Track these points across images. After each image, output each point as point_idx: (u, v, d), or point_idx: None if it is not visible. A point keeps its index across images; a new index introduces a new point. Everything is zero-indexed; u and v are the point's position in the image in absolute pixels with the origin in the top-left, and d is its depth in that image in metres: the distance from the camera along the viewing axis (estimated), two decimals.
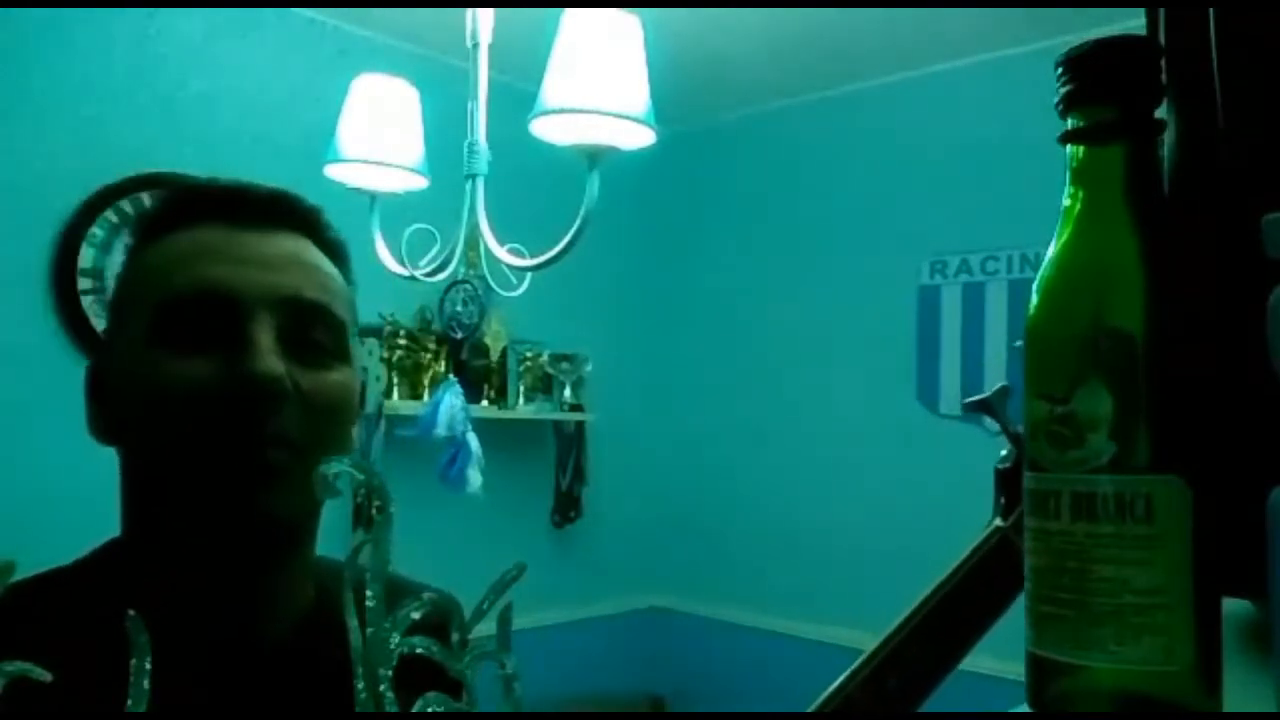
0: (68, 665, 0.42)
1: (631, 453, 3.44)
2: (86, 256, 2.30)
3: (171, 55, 2.46)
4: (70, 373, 2.48)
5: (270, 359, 0.60)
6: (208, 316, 0.61)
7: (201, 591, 0.63)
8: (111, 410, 0.65)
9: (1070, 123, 0.40)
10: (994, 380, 2.68)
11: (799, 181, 3.29)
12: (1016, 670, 0.40)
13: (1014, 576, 0.40)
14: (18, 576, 0.59)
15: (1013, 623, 0.48)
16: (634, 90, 1.40)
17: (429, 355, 2.80)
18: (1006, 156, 2.67)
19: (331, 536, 0.72)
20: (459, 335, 2.86)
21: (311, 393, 0.62)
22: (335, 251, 0.71)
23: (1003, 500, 0.58)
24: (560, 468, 3.22)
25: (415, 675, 0.32)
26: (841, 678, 0.54)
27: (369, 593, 0.30)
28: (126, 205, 2.36)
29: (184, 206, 0.67)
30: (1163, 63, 0.40)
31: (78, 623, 0.57)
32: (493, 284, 1.75)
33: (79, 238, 2.29)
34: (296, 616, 0.67)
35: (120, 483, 0.66)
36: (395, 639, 0.30)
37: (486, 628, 0.34)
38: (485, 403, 2.92)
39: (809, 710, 0.53)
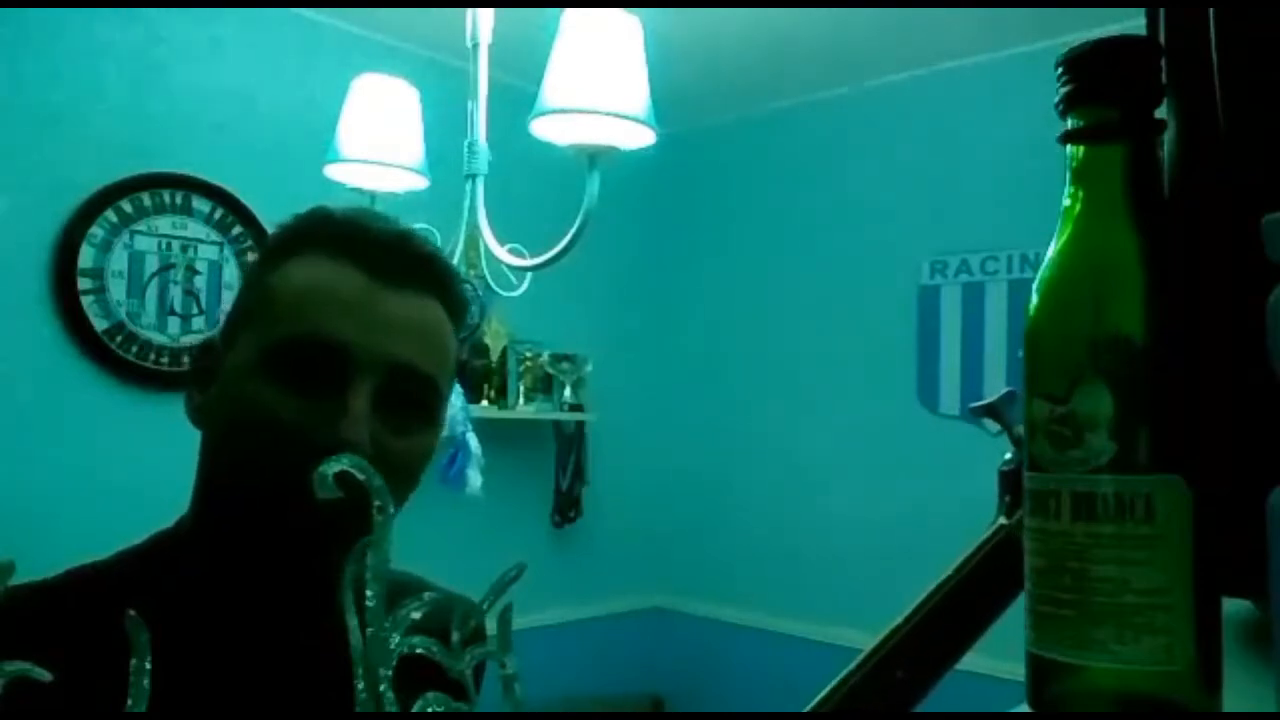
0: (107, 660, 0.43)
1: (631, 453, 3.44)
2: (86, 256, 2.30)
3: (172, 55, 2.46)
4: (70, 372, 2.47)
5: (359, 428, 0.62)
6: (319, 365, 0.63)
7: (245, 594, 0.64)
8: (206, 403, 0.67)
9: (1070, 123, 0.40)
10: (994, 380, 2.66)
11: (799, 182, 3.29)
12: (1016, 670, 0.39)
13: (1016, 573, 0.41)
14: (33, 575, 0.59)
15: (1012, 623, 0.48)
16: (634, 90, 1.40)
17: None
18: (1006, 156, 2.67)
19: None
20: (459, 335, 2.85)
21: (393, 456, 0.64)
22: (457, 309, 0.74)
23: (1006, 499, 0.60)
24: (560, 468, 3.22)
25: (416, 675, 0.32)
26: (848, 668, 0.54)
27: (369, 592, 0.30)
28: (126, 205, 2.37)
29: (332, 235, 0.68)
30: (1163, 63, 0.40)
31: (113, 617, 0.58)
32: (493, 284, 1.75)
33: (79, 238, 2.29)
34: (337, 621, 0.67)
35: (198, 463, 0.68)
36: (395, 639, 0.30)
37: (486, 627, 0.34)
38: (485, 403, 2.92)
39: (814, 702, 0.53)
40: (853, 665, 0.54)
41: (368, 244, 0.68)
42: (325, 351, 0.63)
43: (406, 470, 0.67)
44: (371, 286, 0.66)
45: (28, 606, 0.60)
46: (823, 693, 0.53)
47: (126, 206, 2.37)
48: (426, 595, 0.32)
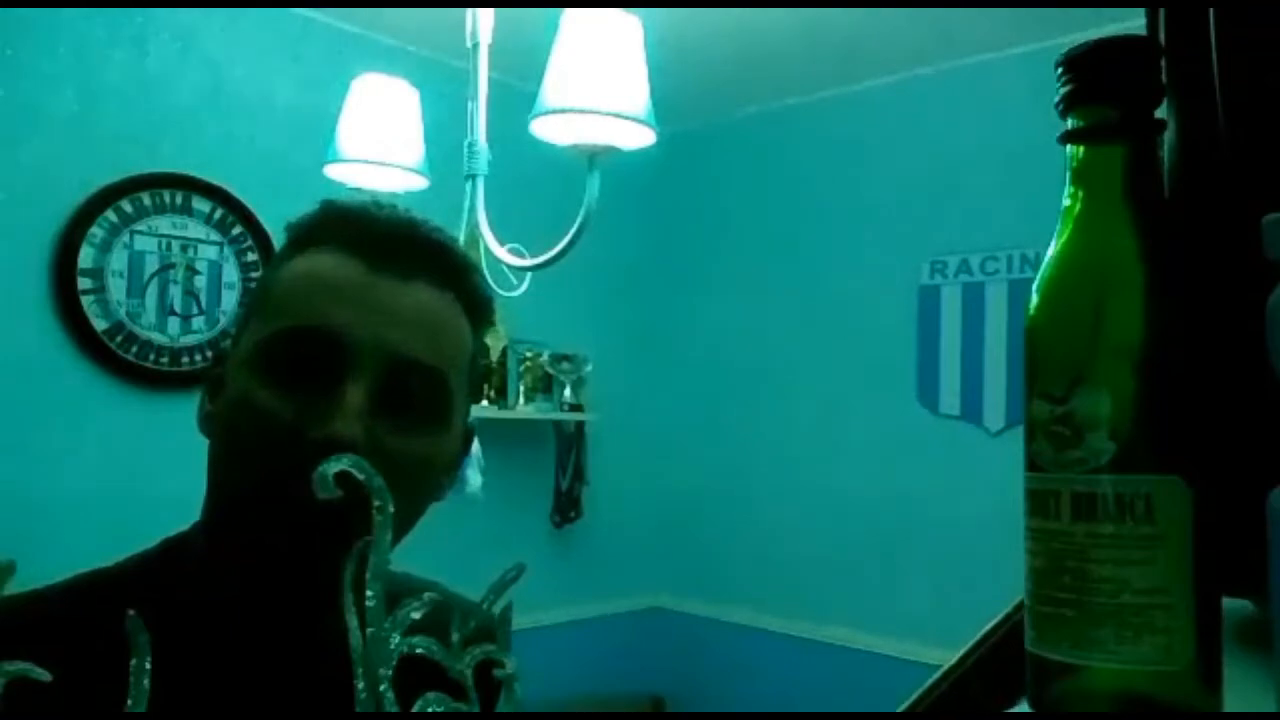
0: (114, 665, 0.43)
1: (631, 453, 3.44)
2: (86, 256, 2.30)
3: (172, 55, 2.46)
4: (70, 372, 2.47)
5: (351, 422, 0.58)
6: (312, 358, 0.60)
7: (249, 598, 0.63)
8: (215, 410, 0.65)
9: (1070, 123, 0.40)
10: (994, 380, 2.65)
11: (799, 182, 3.29)
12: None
13: None
14: (34, 575, 0.59)
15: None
16: (634, 90, 1.40)
17: None
18: (1006, 156, 2.67)
19: None
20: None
21: (393, 455, 0.60)
22: (476, 306, 0.70)
23: None
24: (560, 468, 3.22)
25: (416, 675, 0.32)
26: (933, 678, 0.53)
27: (369, 592, 0.30)
28: (127, 205, 2.37)
29: (334, 227, 0.66)
30: (1163, 63, 0.40)
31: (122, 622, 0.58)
32: (493, 284, 1.74)
33: (79, 238, 2.28)
34: (337, 621, 0.67)
35: (207, 470, 0.65)
36: (395, 639, 0.30)
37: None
38: (485, 403, 2.92)
39: (904, 705, 0.53)
40: (938, 675, 0.53)
41: (372, 234, 0.65)
42: (319, 342, 0.60)
43: (407, 474, 0.61)
44: (372, 276, 0.63)
45: (39, 610, 0.60)
46: (908, 701, 0.52)
47: (126, 206, 2.36)
48: (426, 595, 0.32)
